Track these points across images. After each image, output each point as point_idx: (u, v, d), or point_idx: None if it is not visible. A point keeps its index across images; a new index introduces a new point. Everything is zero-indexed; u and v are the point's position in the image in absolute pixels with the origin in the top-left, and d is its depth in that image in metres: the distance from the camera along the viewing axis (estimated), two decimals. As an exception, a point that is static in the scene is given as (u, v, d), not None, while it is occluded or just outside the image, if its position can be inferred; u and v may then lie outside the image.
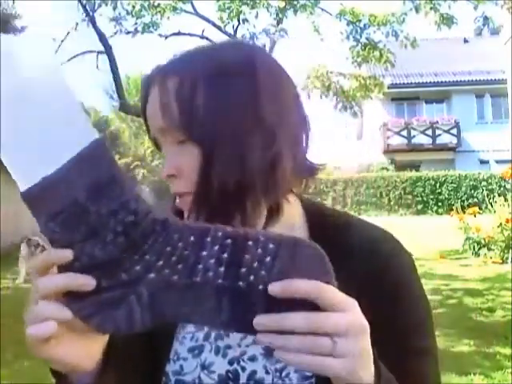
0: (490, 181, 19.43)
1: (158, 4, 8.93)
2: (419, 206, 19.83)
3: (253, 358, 0.67)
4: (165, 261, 0.52)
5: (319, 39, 9.69)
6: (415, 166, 22.12)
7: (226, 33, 9.49)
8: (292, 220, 0.71)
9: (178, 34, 9.72)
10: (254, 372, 0.67)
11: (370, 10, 9.45)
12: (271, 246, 0.50)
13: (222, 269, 0.50)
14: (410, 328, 0.67)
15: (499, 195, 9.83)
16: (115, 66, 8.52)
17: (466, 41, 26.52)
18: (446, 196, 19.75)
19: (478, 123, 23.69)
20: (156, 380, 0.72)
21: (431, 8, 8.54)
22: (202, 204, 0.64)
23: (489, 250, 8.58)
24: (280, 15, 9.12)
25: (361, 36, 9.57)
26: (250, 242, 0.51)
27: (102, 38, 8.48)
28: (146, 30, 9.03)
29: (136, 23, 9.03)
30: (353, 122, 24.75)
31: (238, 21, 9.21)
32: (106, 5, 8.86)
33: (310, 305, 0.49)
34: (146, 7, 8.88)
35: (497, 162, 21.63)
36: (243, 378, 0.67)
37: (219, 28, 9.49)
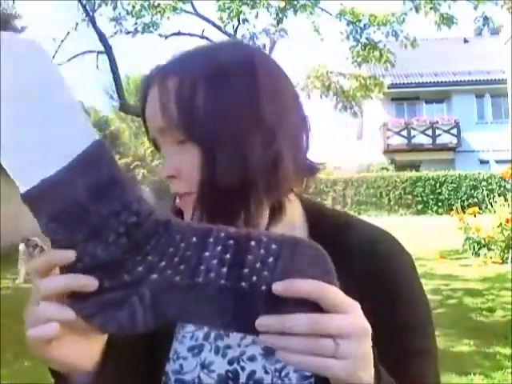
0: (490, 181, 19.43)
1: (158, 4, 8.92)
2: (419, 206, 19.84)
3: (252, 358, 0.67)
4: (167, 262, 0.52)
5: (319, 39, 9.70)
6: (415, 166, 22.12)
7: (226, 33, 9.49)
8: (292, 220, 0.71)
9: (178, 34, 9.72)
10: (253, 372, 0.67)
11: (370, 10, 9.46)
12: (274, 246, 0.50)
13: (224, 269, 0.50)
14: (410, 328, 0.67)
15: (499, 195, 9.83)
16: (115, 66, 8.51)
17: (466, 41, 26.53)
18: (446, 196, 19.75)
19: (478, 123, 23.69)
20: (156, 379, 0.72)
21: (431, 8, 8.54)
22: (205, 204, 0.63)
23: (489, 250, 8.58)
24: (280, 15, 9.12)
25: (361, 36, 9.57)
26: (253, 243, 0.50)
27: (102, 38, 8.48)
28: (146, 30, 9.03)
29: (136, 23, 9.03)
30: (353, 122, 24.77)
31: (238, 21, 9.20)
32: (106, 5, 8.86)
33: (312, 305, 0.49)
34: (146, 7, 8.87)
35: (497, 162, 21.63)
36: (243, 377, 0.67)
37: (219, 28, 9.49)
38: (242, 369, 0.68)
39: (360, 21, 9.42)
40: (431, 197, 19.89)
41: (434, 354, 0.69)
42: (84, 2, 8.43)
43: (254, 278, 0.50)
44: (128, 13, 9.00)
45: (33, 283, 0.54)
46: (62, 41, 9.33)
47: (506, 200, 9.09)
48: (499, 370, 3.80)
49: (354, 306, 0.50)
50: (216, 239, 0.51)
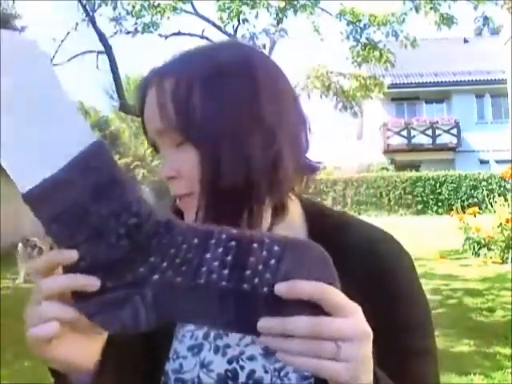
0: (490, 181, 19.44)
1: (158, 4, 8.93)
2: (419, 206, 19.84)
3: (252, 358, 0.68)
4: (169, 262, 0.52)
5: (319, 39, 9.71)
6: (415, 166, 22.13)
7: (226, 33, 9.50)
8: (292, 220, 0.71)
9: (178, 34, 9.73)
10: (252, 371, 0.67)
11: (370, 10, 9.47)
12: (276, 248, 0.50)
13: (226, 271, 0.50)
14: (410, 328, 0.67)
15: (499, 195, 9.83)
16: (115, 66, 8.52)
17: (466, 41, 26.53)
18: (446, 196, 19.75)
19: (478, 123, 23.70)
20: (155, 379, 0.72)
21: (431, 8, 8.55)
22: (207, 205, 0.63)
23: (489, 250, 8.58)
24: (280, 15, 9.12)
25: (361, 36, 9.58)
26: (255, 245, 0.50)
27: (102, 38, 8.49)
28: (146, 29, 9.04)
29: (136, 23, 9.04)
30: (353, 122, 24.77)
31: (238, 21, 9.21)
32: (106, 5, 8.87)
33: (313, 308, 0.49)
34: (146, 7, 8.88)
35: (497, 162, 21.63)
36: (242, 377, 0.67)
37: (219, 28, 9.50)
38: (242, 368, 0.68)
39: (360, 21, 9.43)
40: (431, 197, 19.89)
41: (433, 354, 0.69)
42: (84, 2, 8.43)
43: (256, 280, 0.50)
44: (128, 13, 9.01)
45: (34, 282, 0.54)
46: (62, 41, 9.35)
47: (506, 200, 9.09)
48: (499, 370, 3.80)
49: (356, 309, 0.50)
50: (218, 241, 0.51)
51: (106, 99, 31.88)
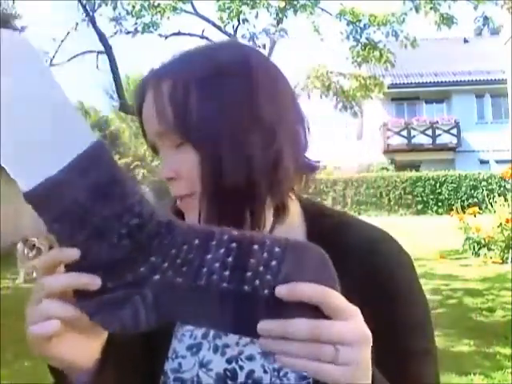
0: (490, 181, 19.43)
1: (158, 4, 8.93)
2: (419, 206, 19.83)
3: (251, 358, 0.68)
4: (169, 263, 0.52)
5: (319, 39, 9.70)
6: (415, 166, 22.12)
7: (226, 33, 9.49)
8: (291, 219, 0.71)
9: (178, 34, 9.72)
10: (251, 371, 0.67)
11: (370, 10, 9.46)
12: (277, 249, 0.50)
13: (226, 272, 0.50)
14: (409, 328, 0.67)
15: (499, 195, 9.82)
16: (115, 66, 8.52)
17: (466, 41, 26.53)
18: (446, 196, 19.75)
19: (478, 123, 23.69)
20: (154, 378, 0.72)
21: (431, 8, 8.54)
22: (208, 206, 0.63)
23: (489, 250, 8.58)
24: (280, 15, 9.12)
25: (361, 36, 9.57)
26: (256, 246, 0.50)
27: (102, 38, 8.49)
28: (146, 29, 9.03)
29: (136, 23, 9.03)
30: (353, 122, 24.80)
31: (238, 21, 9.20)
32: (106, 5, 8.86)
33: (313, 310, 0.49)
34: (146, 7, 8.88)
35: (497, 162, 21.63)
36: (241, 377, 0.67)
37: (219, 28, 9.49)
38: (241, 368, 0.68)
39: (360, 21, 9.42)
40: (431, 197, 19.89)
41: (433, 354, 0.69)
42: (84, 2, 8.43)
43: (257, 282, 0.50)
44: (128, 13, 9.00)
45: (34, 282, 0.54)
46: (62, 41, 9.35)
47: (506, 200, 9.09)
48: (499, 370, 3.80)
49: (356, 313, 0.50)
50: (219, 242, 0.51)
51: (106, 99, 31.91)
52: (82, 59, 9.88)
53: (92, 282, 0.51)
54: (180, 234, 0.52)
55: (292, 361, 0.49)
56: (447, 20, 8.58)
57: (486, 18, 8.75)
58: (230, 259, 0.51)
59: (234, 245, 0.51)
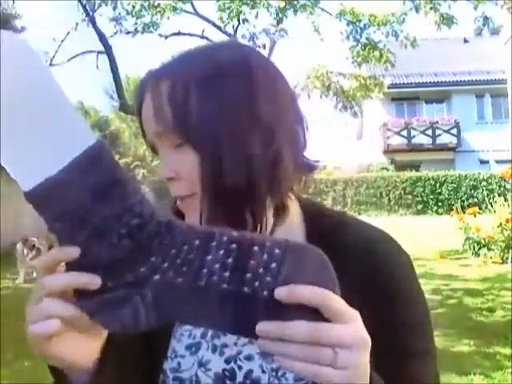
0: (490, 181, 19.43)
1: (158, 4, 8.93)
2: (419, 206, 19.83)
3: (249, 357, 0.68)
4: (170, 263, 0.52)
5: (319, 39, 9.70)
6: (415, 166, 22.12)
7: (226, 33, 9.49)
8: (290, 219, 0.71)
9: (178, 34, 9.72)
10: (250, 371, 0.67)
11: (370, 10, 9.46)
12: (277, 251, 0.50)
13: (226, 273, 0.50)
14: (409, 328, 0.67)
15: (499, 195, 9.82)
16: (115, 66, 8.52)
17: (466, 41, 26.52)
18: (446, 196, 19.75)
19: (478, 123, 23.69)
20: (153, 377, 0.72)
21: (431, 8, 8.54)
22: (211, 205, 0.63)
23: (489, 250, 8.58)
24: (280, 15, 9.12)
25: (361, 36, 9.57)
26: (256, 248, 0.50)
27: (102, 38, 8.49)
28: (146, 30, 9.03)
29: (136, 23, 9.03)
30: (353, 122, 24.79)
31: (238, 21, 9.20)
32: (106, 5, 8.86)
33: (313, 313, 0.49)
34: (146, 7, 8.88)
35: (497, 162, 21.63)
36: (240, 376, 0.67)
37: (219, 28, 9.49)
38: (239, 368, 0.68)
39: (360, 21, 9.42)
40: (431, 197, 19.89)
41: (432, 354, 0.69)
42: (84, 2, 8.43)
43: (257, 284, 0.50)
44: (128, 13, 9.00)
45: (34, 282, 0.55)
46: (62, 41, 9.35)
47: (506, 200, 9.09)
48: (499, 370, 3.80)
49: (355, 316, 0.50)
50: (219, 243, 0.51)
51: (106, 99, 31.89)
52: (82, 59, 9.90)
53: (92, 281, 0.51)
54: (180, 234, 0.52)
55: (290, 363, 0.49)
56: (447, 20, 8.58)
57: (486, 18, 8.75)
58: (229, 260, 0.51)
59: (233, 246, 0.51)
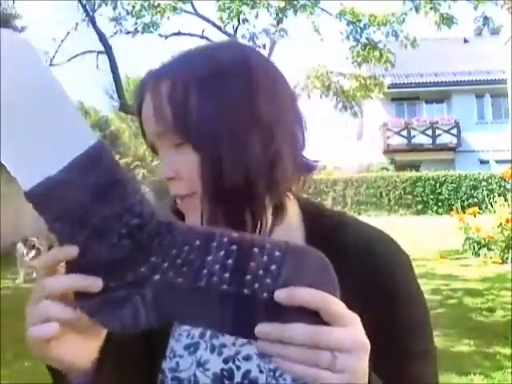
0: (490, 181, 19.43)
1: (158, 4, 8.93)
2: (419, 206, 19.83)
3: (247, 358, 0.68)
4: (170, 263, 0.52)
5: (319, 39, 9.70)
6: (415, 166, 22.12)
7: (226, 33, 9.49)
8: (289, 220, 0.71)
9: (178, 34, 9.72)
10: (248, 371, 0.67)
11: (370, 10, 9.46)
12: (277, 253, 0.50)
13: (226, 275, 0.50)
14: (408, 328, 0.67)
15: (499, 195, 9.82)
16: (115, 66, 8.52)
17: (466, 41, 26.53)
18: (446, 196, 19.75)
19: (478, 123, 23.69)
20: (152, 377, 0.72)
21: (431, 8, 8.54)
22: (211, 205, 0.63)
23: (489, 250, 8.58)
24: (280, 15, 9.12)
25: (361, 36, 9.57)
26: (256, 249, 0.50)
27: (102, 38, 8.49)
28: (146, 30, 9.04)
29: (136, 23, 9.03)
30: (353, 122, 24.79)
31: (238, 21, 9.20)
32: (106, 5, 8.86)
33: (312, 315, 0.49)
34: (146, 7, 8.88)
35: (497, 162, 21.63)
36: (238, 376, 0.67)
37: (219, 28, 9.49)
38: (238, 368, 0.68)
39: (360, 21, 9.42)
40: (431, 197, 19.89)
41: (432, 355, 0.69)
42: (84, 2, 8.43)
43: (256, 285, 0.50)
44: (128, 13, 9.00)
45: (34, 282, 0.54)
46: (62, 41, 9.35)
47: (506, 200, 9.09)
48: (499, 370, 3.80)
49: (355, 319, 0.50)
50: (219, 244, 0.51)
51: (106, 99, 31.90)
52: (82, 59, 9.90)
53: (93, 284, 0.51)
54: (180, 234, 0.52)
55: (289, 365, 0.49)
56: (447, 20, 8.58)
57: (486, 18, 8.75)
58: (230, 261, 0.51)
59: (234, 247, 0.51)
